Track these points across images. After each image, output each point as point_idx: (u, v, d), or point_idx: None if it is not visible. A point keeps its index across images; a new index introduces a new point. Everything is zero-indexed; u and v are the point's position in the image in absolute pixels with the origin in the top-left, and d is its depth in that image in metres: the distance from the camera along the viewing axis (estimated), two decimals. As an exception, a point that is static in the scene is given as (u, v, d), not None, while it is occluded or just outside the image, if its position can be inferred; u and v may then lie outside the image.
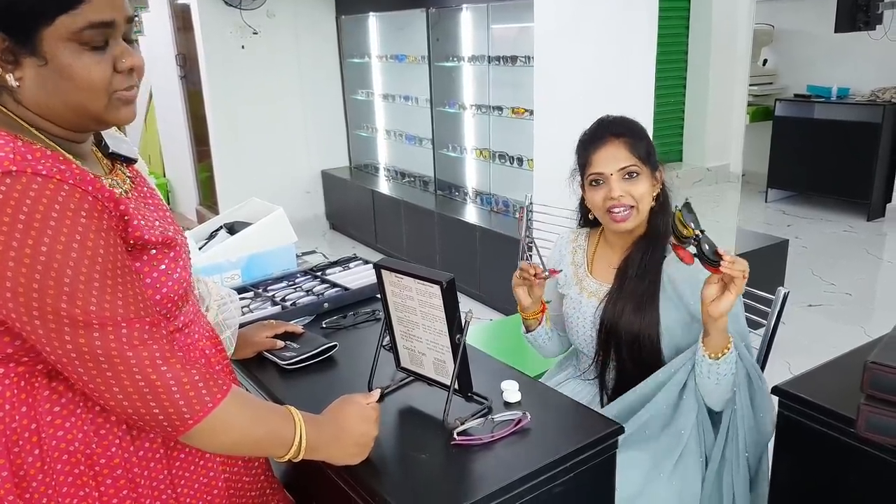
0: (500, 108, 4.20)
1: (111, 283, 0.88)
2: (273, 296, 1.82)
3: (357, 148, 5.82)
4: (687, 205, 1.33)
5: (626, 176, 1.54)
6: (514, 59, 3.96)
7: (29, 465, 0.95)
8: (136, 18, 0.95)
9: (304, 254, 2.20)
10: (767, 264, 3.46)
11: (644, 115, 2.97)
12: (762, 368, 1.71)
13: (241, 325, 1.60)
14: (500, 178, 4.46)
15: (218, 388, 0.96)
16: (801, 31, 6.16)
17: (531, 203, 2.73)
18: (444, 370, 1.28)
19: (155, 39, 6.16)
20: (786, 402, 1.39)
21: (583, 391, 1.75)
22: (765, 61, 6.44)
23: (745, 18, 3.81)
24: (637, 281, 1.58)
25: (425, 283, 1.21)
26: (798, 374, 1.46)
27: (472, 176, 4.75)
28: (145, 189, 1.10)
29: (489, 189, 4.54)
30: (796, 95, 5.95)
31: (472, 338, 2.43)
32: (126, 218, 0.94)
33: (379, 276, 1.30)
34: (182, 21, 5.58)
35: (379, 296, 1.35)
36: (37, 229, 0.83)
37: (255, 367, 1.53)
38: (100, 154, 1.07)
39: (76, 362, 0.88)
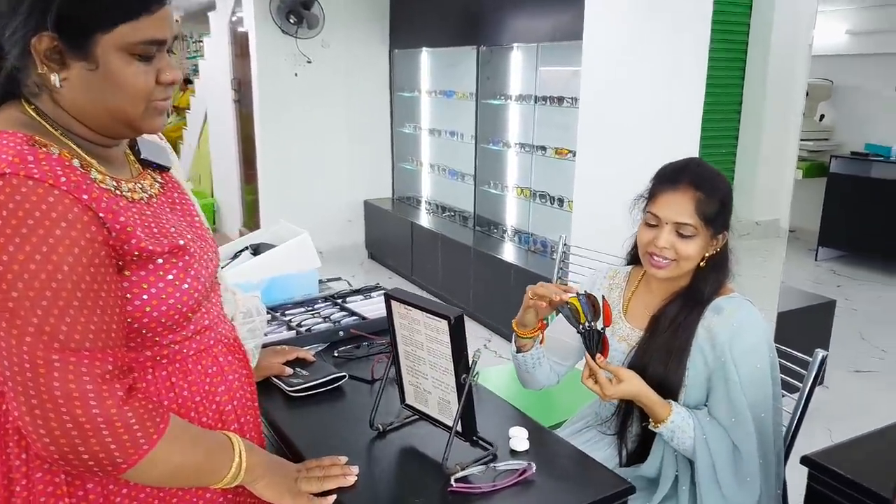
0: (543, 148, 4.17)
1: (62, 304, 0.85)
2: (290, 320, 1.80)
3: (401, 180, 5.86)
4: (589, 296, 1.40)
5: (680, 232, 1.46)
6: (560, 99, 3.94)
7: (16, 469, 0.94)
8: (178, 37, 1.02)
9: (328, 280, 2.18)
10: (812, 324, 3.31)
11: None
12: (792, 436, 1.59)
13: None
14: (539, 217, 4.41)
15: (154, 426, 0.92)
16: (861, 87, 6.00)
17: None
18: (449, 411, 1.23)
19: (213, 64, 6.37)
20: (816, 474, 1.29)
21: (601, 444, 1.67)
22: (822, 117, 6.29)
23: (802, 70, 3.72)
24: (670, 334, 1.51)
25: (433, 317, 1.16)
26: (834, 444, 1.36)
27: (511, 214, 4.71)
28: (175, 195, 1.12)
29: (528, 228, 4.49)
30: (853, 153, 5.76)
31: (494, 379, 2.36)
32: (129, 229, 0.93)
33: (388, 307, 1.26)
34: (240, 48, 5.76)
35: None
36: (13, 227, 0.83)
37: (261, 392, 1.49)
38: (132, 158, 1.08)
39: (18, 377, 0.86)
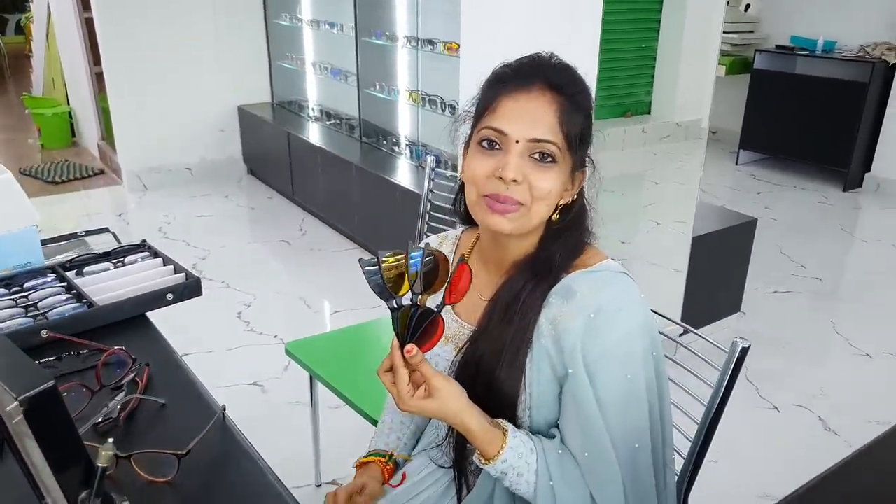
0: (432, 42, 3.51)
1: None
2: (-21, 312, 1.20)
3: (281, 81, 5.07)
4: (437, 255, 0.94)
5: (537, 155, 0.94)
6: (446, -19, 3.25)
7: None
8: None
9: (87, 233, 1.56)
10: (732, 246, 2.91)
11: (586, 65, 2.34)
12: (694, 466, 1.13)
13: None
14: (431, 126, 3.80)
15: None
16: (791, -28, 5.48)
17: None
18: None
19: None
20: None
21: (435, 475, 1.19)
22: (747, 6, 5.77)
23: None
24: (507, 320, 1.00)
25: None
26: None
27: (404, 122, 4.09)
28: None
29: (419, 139, 3.89)
30: (778, 47, 5.31)
31: (325, 349, 1.84)
32: None
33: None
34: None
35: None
36: None
37: None
38: None
39: None
